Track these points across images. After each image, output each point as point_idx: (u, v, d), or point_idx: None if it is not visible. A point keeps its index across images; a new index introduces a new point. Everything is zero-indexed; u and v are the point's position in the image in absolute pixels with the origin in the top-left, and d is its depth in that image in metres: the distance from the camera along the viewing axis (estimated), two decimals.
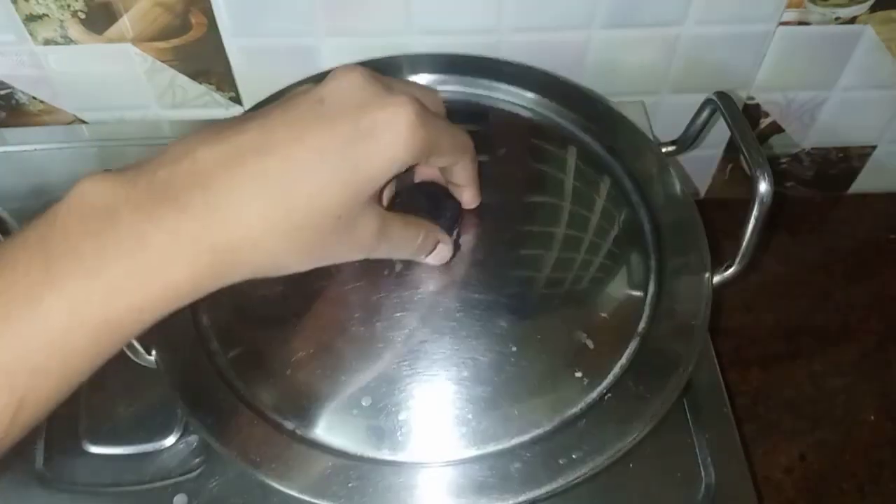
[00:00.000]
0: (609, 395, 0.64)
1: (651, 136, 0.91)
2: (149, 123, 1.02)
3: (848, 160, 1.12)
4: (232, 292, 0.52)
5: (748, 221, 0.68)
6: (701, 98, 0.77)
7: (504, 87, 0.84)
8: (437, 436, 0.63)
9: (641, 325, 0.68)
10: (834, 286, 1.03)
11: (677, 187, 0.75)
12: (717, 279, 0.70)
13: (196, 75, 0.97)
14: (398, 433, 0.63)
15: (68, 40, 0.91)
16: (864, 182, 1.15)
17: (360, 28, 0.91)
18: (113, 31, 0.90)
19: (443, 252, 0.66)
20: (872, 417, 0.91)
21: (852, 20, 0.93)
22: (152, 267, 0.46)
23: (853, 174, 1.15)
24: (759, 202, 0.66)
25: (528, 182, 0.78)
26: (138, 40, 0.92)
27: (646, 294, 0.70)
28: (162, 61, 0.95)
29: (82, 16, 0.88)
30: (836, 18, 0.92)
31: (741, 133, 0.69)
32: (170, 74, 0.96)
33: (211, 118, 1.02)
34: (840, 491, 0.86)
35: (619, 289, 0.71)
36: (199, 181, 0.48)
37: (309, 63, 0.94)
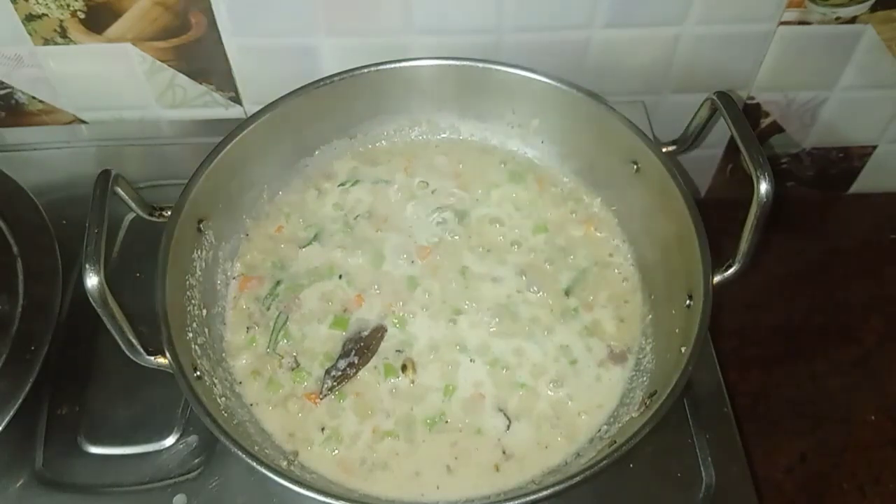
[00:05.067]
0: None
1: (651, 137, 0.91)
2: (148, 123, 1.02)
3: (848, 160, 1.12)
4: None
5: (748, 221, 0.68)
6: (701, 98, 0.77)
7: None
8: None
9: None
10: (834, 286, 1.03)
11: None
12: (717, 279, 0.70)
13: (196, 75, 0.97)
14: None
15: (68, 40, 0.91)
16: (865, 182, 1.15)
17: (359, 28, 0.91)
18: (113, 30, 0.90)
19: None
20: (872, 417, 0.91)
21: (853, 20, 0.93)
22: None
23: (854, 174, 1.15)
24: (760, 202, 0.66)
25: None
26: (138, 40, 0.92)
27: None
28: (162, 61, 0.94)
29: (82, 16, 0.88)
30: (837, 18, 0.92)
31: (741, 133, 0.69)
32: (169, 74, 0.96)
33: (211, 118, 1.02)
34: (840, 491, 0.86)
35: None
36: None
37: (309, 63, 0.94)
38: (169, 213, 0.75)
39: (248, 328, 0.80)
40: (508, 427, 0.74)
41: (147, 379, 0.71)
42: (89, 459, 0.75)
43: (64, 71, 0.95)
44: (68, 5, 0.87)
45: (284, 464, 0.71)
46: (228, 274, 0.84)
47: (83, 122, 1.02)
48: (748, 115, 1.04)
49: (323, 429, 0.74)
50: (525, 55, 0.90)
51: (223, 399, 0.72)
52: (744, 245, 0.69)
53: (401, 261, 0.84)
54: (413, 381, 0.77)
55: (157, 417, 0.77)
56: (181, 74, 0.96)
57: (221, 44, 0.92)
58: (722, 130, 0.89)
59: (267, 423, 0.75)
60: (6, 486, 0.74)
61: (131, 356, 0.67)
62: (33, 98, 0.98)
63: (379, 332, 0.79)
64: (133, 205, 0.73)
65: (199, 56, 0.94)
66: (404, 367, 0.77)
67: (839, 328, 0.99)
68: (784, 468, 0.88)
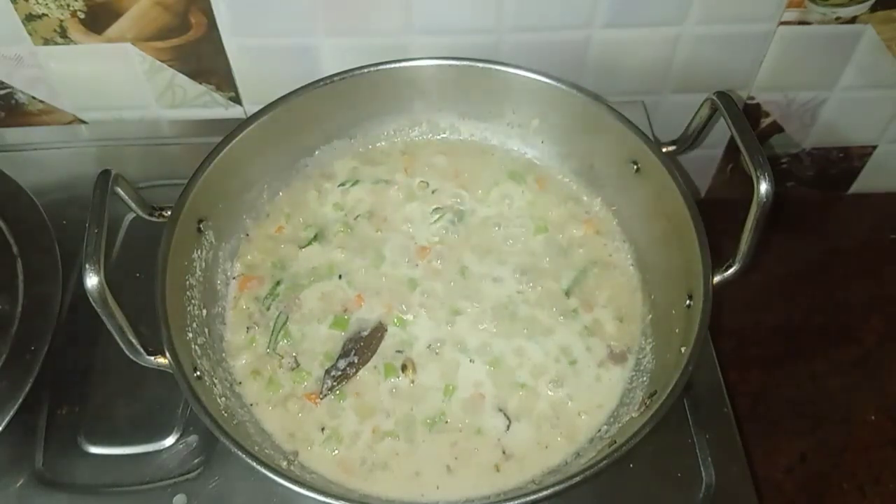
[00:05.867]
0: None
1: (651, 137, 0.91)
2: (148, 123, 1.02)
3: (848, 160, 1.12)
4: None
5: (748, 221, 0.68)
6: (701, 98, 0.77)
7: None
8: None
9: None
10: (834, 286, 1.03)
11: None
12: (717, 279, 0.70)
13: (196, 75, 0.97)
14: None
15: (68, 40, 0.91)
16: (865, 182, 1.15)
17: (360, 28, 0.91)
18: (113, 30, 0.90)
19: None
20: (872, 417, 0.91)
21: (853, 20, 0.93)
22: None
23: (854, 174, 1.15)
24: (760, 202, 0.66)
25: None
26: (138, 40, 0.92)
27: None
28: (161, 61, 0.94)
29: (82, 16, 0.88)
30: (837, 18, 0.92)
31: (741, 133, 0.69)
32: (169, 74, 0.96)
33: (211, 118, 1.02)
34: (840, 491, 0.86)
35: None
36: None
37: (309, 63, 0.94)
38: (169, 213, 0.75)
39: (248, 328, 0.80)
40: (508, 427, 0.74)
41: (147, 379, 0.71)
42: (89, 459, 0.75)
43: (64, 71, 0.95)
44: (68, 5, 0.87)
45: (284, 464, 0.71)
46: (228, 274, 0.84)
47: (83, 122, 1.02)
48: (748, 115, 1.04)
49: (323, 429, 0.74)
50: (525, 55, 0.90)
51: (223, 399, 0.72)
52: (744, 245, 0.69)
53: (401, 261, 0.84)
54: (413, 381, 0.77)
55: (157, 417, 0.77)
56: (181, 74, 0.96)
57: (221, 44, 0.92)
58: (722, 130, 0.89)
59: (267, 423, 0.75)
60: (6, 486, 0.74)
61: (131, 356, 0.67)
62: (33, 98, 0.98)
63: (379, 332, 0.79)
64: (133, 205, 0.73)
65: (199, 56, 0.94)
66: (404, 367, 0.77)
67: (839, 328, 0.99)
68: (784, 468, 0.87)
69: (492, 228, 0.86)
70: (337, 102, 0.86)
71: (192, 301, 0.77)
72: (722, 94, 0.73)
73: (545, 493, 0.62)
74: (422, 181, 0.90)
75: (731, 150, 1.10)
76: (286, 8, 0.88)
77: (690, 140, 0.81)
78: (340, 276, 0.83)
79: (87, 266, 0.61)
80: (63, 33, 0.90)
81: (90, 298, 0.62)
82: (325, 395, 0.76)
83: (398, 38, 0.92)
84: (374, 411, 0.75)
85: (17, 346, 0.75)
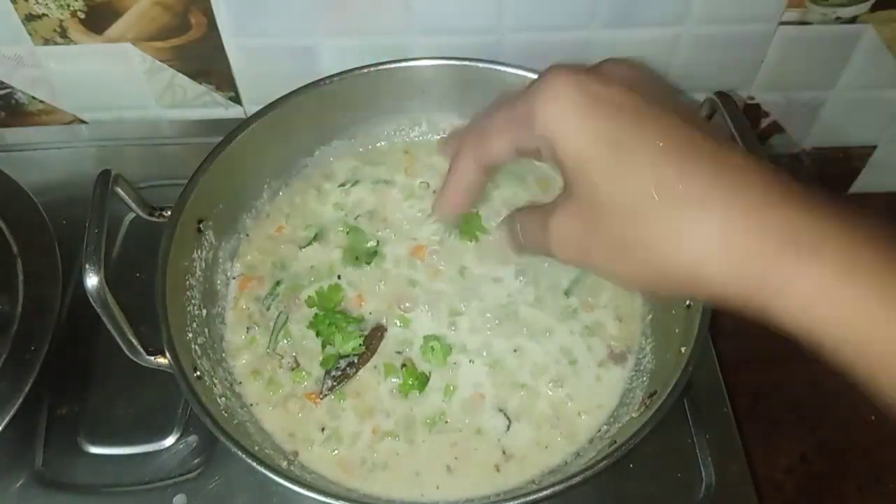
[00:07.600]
0: None
1: None
2: (148, 123, 1.02)
3: (848, 160, 1.12)
4: None
5: None
6: (701, 98, 0.77)
7: None
8: None
9: None
10: None
11: None
12: None
13: (196, 75, 0.97)
14: None
15: (68, 40, 0.91)
16: (865, 182, 1.15)
17: (360, 28, 0.91)
18: (113, 30, 0.90)
19: None
20: (873, 417, 0.91)
21: (853, 20, 0.93)
22: None
23: (854, 174, 1.15)
24: None
25: None
26: (138, 40, 0.92)
27: None
28: (161, 61, 0.94)
29: (82, 16, 0.88)
30: (837, 18, 0.92)
31: (741, 133, 0.69)
32: (169, 74, 0.96)
33: (211, 118, 1.02)
34: (840, 491, 0.86)
35: None
36: None
37: (309, 63, 0.94)
38: (169, 213, 0.75)
39: (248, 328, 0.80)
40: (508, 427, 0.74)
41: (147, 379, 0.71)
42: (89, 459, 0.75)
43: (64, 71, 0.95)
44: (68, 5, 0.87)
45: (284, 464, 0.71)
46: (228, 274, 0.84)
47: (83, 122, 1.02)
48: (748, 115, 1.03)
49: (323, 429, 0.74)
50: (525, 55, 0.90)
51: (223, 399, 0.72)
52: None
53: (401, 261, 0.84)
54: (413, 382, 0.76)
55: (157, 417, 0.77)
56: (181, 74, 0.96)
57: (221, 44, 0.92)
58: (722, 130, 0.89)
59: (267, 423, 0.75)
60: (6, 486, 0.74)
61: (131, 356, 0.67)
62: (33, 98, 0.98)
63: (379, 332, 0.79)
64: (133, 205, 0.73)
65: (199, 56, 0.94)
66: (404, 367, 0.77)
67: None
68: (784, 468, 0.88)
69: (492, 228, 0.86)
70: (337, 102, 0.86)
71: (192, 301, 0.77)
72: (722, 94, 0.73)
73: (545, 493, 0.62)
74: (422, 181, 0.90)
75: None
76: (286, 8, 0.88)
77: None
78: (340, 276, 0.83)
79: (87, 266, 0.61)
80: (63, 33, 0.90)
81: (90, 298, 0.62)
82: (325, 395, 0.76)
83: (398, 38, 0.92)
84: (374, 411, 0.75)
85: (17, 346, 0.75)
